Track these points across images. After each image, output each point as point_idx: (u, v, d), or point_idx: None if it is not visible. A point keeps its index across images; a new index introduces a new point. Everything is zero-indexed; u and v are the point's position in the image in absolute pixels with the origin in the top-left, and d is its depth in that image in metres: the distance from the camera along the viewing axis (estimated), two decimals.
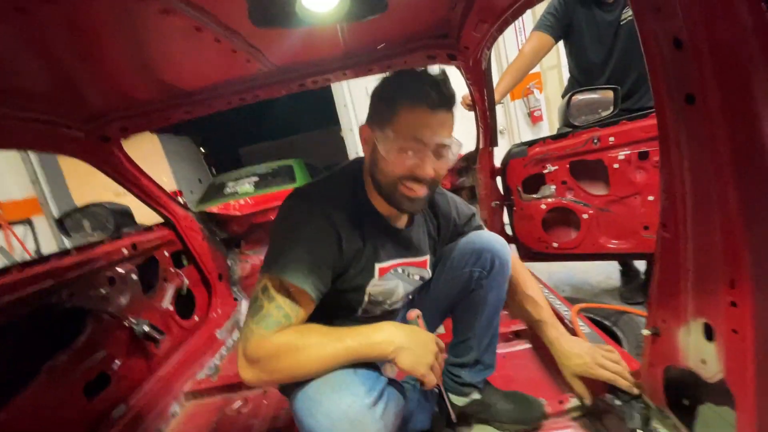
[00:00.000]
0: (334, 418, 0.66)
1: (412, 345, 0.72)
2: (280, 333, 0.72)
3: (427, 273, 0.99)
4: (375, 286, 0.88)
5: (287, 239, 0.78)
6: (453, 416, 0.85)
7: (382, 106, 0.78)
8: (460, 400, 1.06)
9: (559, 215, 1.73)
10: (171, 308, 1.68)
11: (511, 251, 1.01)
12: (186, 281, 1.82)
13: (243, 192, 4.49)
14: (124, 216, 1.61)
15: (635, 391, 0.82)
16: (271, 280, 0.75)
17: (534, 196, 1.73)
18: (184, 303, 1.82)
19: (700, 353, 0.61)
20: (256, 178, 4.70)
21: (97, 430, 1.18)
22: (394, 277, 0.91)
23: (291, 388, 0.77)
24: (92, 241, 1.40)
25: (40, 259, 1.19)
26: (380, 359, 0.73)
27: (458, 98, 0.82)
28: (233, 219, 2.10)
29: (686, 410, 0.73)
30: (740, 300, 0.50)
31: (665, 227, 0.61)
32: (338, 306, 0.88)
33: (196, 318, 1.87)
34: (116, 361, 1.34)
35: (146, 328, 1.44)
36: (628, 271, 2.09)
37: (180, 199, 1.63)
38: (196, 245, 1.91)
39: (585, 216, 1.62)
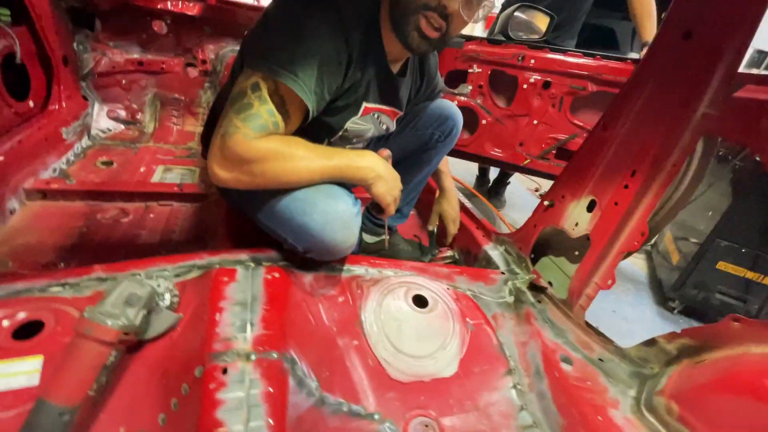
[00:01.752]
0: (330, 217, 0.71)
1: (388, 177, 0.79)
2: (267, 138, 0.68)
3: (393, 126, 1.02)
4: (354, 124, 0.88)
5: (296, 36, 0.67)
6: (386, 242, 1.00)
7: None
8: (371, 239, 1.24)
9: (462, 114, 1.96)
10: None
11: None
12: (18, 47, 1.29)
13: None
14: None
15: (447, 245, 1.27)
16: (266, 81, 0.67)
17: (452, 90, 1.88)
18: (13, 80, 1.32)
19: (576, 219, 0.92)
20: None
21: None
22: (370, 121, 0.92)
23: (264, 196, 0.76)
24: None
25: None
26: (359, 183, 0.78)
27: None
28: None
29: (533, 259, 1.09)
30: (632, 184, 0.77)
31: (605, 128, 0.83)
32: (306, 132, 0.85)
33: (30, 103, 1.40)
34: None
35: None
36: (481, 178, 2.62)
37: None
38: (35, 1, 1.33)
39: (484, 122, 1.89)
